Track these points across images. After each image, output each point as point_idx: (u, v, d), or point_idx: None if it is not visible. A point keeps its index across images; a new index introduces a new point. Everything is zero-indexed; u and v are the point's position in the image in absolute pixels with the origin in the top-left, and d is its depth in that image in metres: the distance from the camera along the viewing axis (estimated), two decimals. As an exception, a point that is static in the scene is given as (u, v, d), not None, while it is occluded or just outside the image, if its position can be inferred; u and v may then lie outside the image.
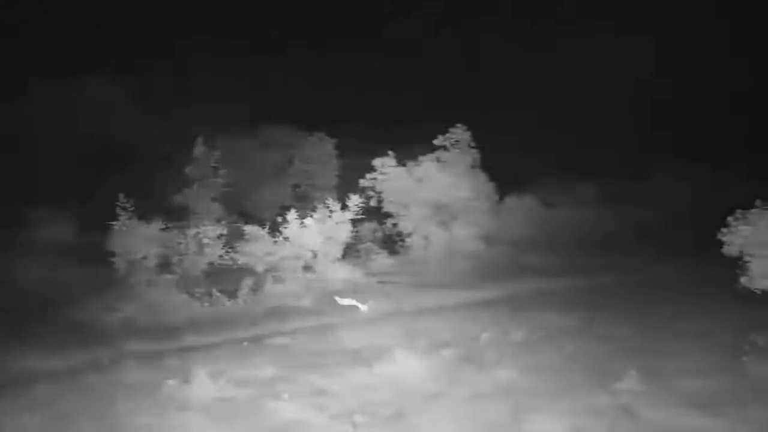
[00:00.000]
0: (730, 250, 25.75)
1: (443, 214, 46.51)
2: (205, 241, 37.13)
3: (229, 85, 64.77)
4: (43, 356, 25.90)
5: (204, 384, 21.48)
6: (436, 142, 46.75)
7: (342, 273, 39.48)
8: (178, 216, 40.44)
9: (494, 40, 74.29)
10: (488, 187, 48.39)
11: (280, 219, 39.08)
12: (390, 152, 45.86)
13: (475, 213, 46.93)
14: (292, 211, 39.50)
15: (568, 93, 68.50)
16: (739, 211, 25.81)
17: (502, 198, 50.26)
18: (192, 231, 37.27)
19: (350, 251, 42.91)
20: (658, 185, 58.35)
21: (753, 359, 23.36)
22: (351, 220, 40.38)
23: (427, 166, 45.95)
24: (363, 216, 41.95)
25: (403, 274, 41.99)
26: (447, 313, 33.37)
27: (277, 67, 69.24)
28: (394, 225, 45.87)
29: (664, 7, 73.99)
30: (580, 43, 72.32)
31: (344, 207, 40.38)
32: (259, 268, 37.29)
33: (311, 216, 39.47)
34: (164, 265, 36.43)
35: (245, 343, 28.39)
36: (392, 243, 46.25)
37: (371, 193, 44.23)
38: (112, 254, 35.62)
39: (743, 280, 24.97)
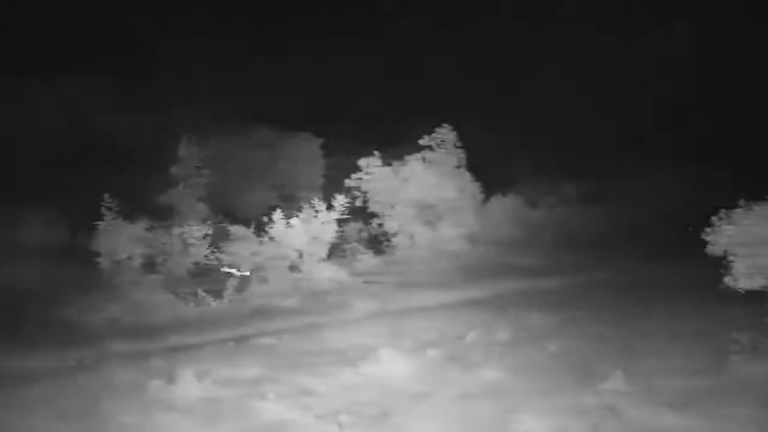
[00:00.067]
0: (713, 249, 25.82)
1: (429, 213, 46.64)
2: (191, 241, 37.11)
3: (214, 85, 64.63)
4: (25, 356, 25.79)
5: (189, 384, 21.43)
6: (421, 142, 46.88)
7: (328, 273, 39.51)
8: (163, 216, 40.43)
9: (484, 41, 74.38)
10: (474, 187, 48.54)
11: (265, 219, 39.09)
12: (375, 152, 45.92)
13: (460, 213, 47.10)
14: (278, 211, 39.51)
15: (552, 93, 68.66)
16: (723, 210, 25.89)
17: (487, 198, 50.43)
18: (177, 231, 37.24)
19: (336, 251, 42.95)
20: (643, 185, 58.58)
21: (737, 359, 23.45)
22: (337, 220, 40.42)
23: (412, 166, 46.07)
24: (349, 216, 42.01)
25: (388, 274, 42.06)
26: (432, 313, 33.42)
27: (264, 67, 69.08)
28: (380, 225, 45.97)
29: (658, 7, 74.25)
30: (570, 43, 72.48)
31: (330, 207, 40.41)
32: (245, 268, 37.29)
33: (297, 216, 39.50)
34: (149, 265, 36.40)
35: (231, 343, 28.35)
36: (378, 243, 46.33)
37: (357, 193, 44.30)
38: (97, 254, 35.56)
39: (727, 279, 25.06)
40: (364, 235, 47.59)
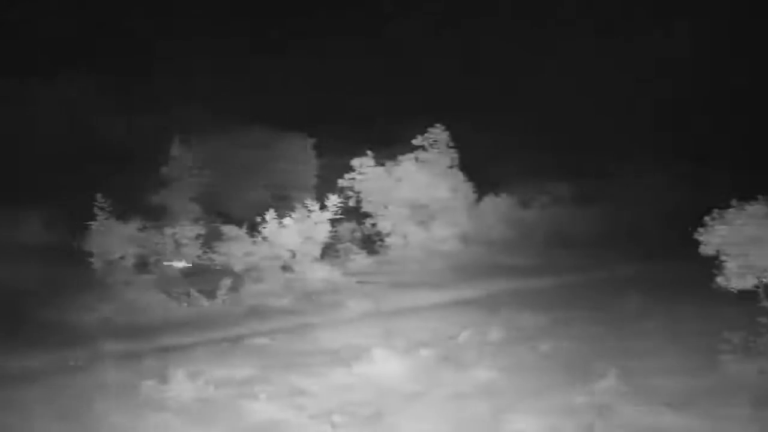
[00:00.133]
0: (706, 249, 25.87)
1: (422, 213, 46.72)
2: (183, 241, 37.11)
3: (207, 85, 64.59)
4: (18, 356, 25.77)
5: (182, 384, 21.39)
6: (414, 142, 46.94)
7: (321, 273, 39.51)
8: (155, 216, 40.43)
9: (478, 41, 74.43)
10: (466, 187, 48.62)
11: (258, 219, 39.09)
12: (368, 152, 45.97)
13: (453, 213, 47.19)
14: (271, 211, 39.51)
15: (546, 93, 68.71)
16: (715, 210, 25.94)
17: (480, 198, 50.49)
18: (170, 231, 37.23)
19: (329, 251, 42.97)
20: (636, 185, 58.68)
21: (729, 358, 23.50)
22: (330, 220, 40.44)
23: (405, 166, 46.13)
24: (342, 216, 42.04)
25: (381, 274, 42.08)
26: (425, 313, 33.44)
27: (256, 67, 69.07)
28: (373, 225, 46.01)
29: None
30: (564, 43, 72.58)
31: (323, 207, 40.43)
32: (238, 268, 37.28)
33: (290, 216, 39.51)
34: (142, 265, 36.38)
35: (224, 344, 28.33)
36: (371, 243, 46.37)
37: (350, 193, 44.33)
38: (90, 254, 35.54)
39: (720, 279, 25.10)
40: (357, 235, 47.62)
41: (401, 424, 19.35)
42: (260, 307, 34.18)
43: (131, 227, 36.12)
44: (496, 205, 51.74)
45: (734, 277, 24.77)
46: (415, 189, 45.99)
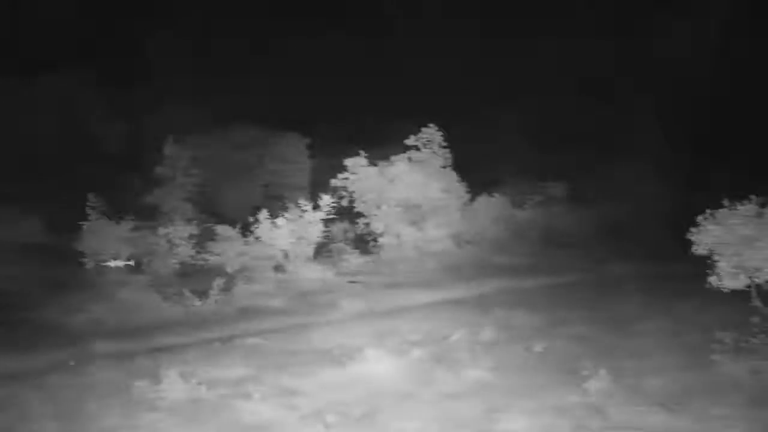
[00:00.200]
0: (699, 249, 25.96)
1: (415, 213, 46.67)
2: (176, 241, 37.07)
3: (201, 85, 64.51)
4: (9, 357, 25.75)
5: (175, 384, 21.39)
6: (407, 142, 46.91)
7: (314, 273, 39.50)
8: (148, 216, 40.39)
9: (471, 42, 74.46)
10: (459, 187, 48.62)
11: (251, 219, 39.06)
12: (361, 152, 45.94)
13: (446, 213, 47.15)
14: (264, 211, 39.50)
15: (540, 93, 68.77)
16: (708, 210, 26.03)
17: (473, 198, 50.47)
18: (163, 231, 37.19)
19: (322, 251, 42.97)
20: (629, 185, 58.72)
21: (721, 358, 23.58)
22: (323, 220, 40.44)
23: (398, 166, 46.09)
24: (335, 216, 42.00)
25: (374, 274, 42.04)
26: (418, 313, 33.42)
27: (250, 67, 69.05)
28: (366, 225, 45.95)
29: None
30: (558, 43, 72.60)
31: (316, 207, 40.42)
32: (230, 268, 37.25)
33: (283, 216, 39.49)
34: (135, 266, 36.35)
35: (217, 344, 28.32)
36: (364, 243, 46.31)
37: (343, 193, 44.29)
38: (82, 254, 35.50)
39: (712, 279, 25.20)
40: (350, 235, 47.56)
41: (394, 424, 19.36)
42: (253, 307, 34.14)
43: (124, 227, 36.06)
44: (490, 205, 51.64)
45: (727, 277, 24.87)
46: (409, 189, 45.94)
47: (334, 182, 44.89)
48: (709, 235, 25.67)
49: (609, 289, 37.70)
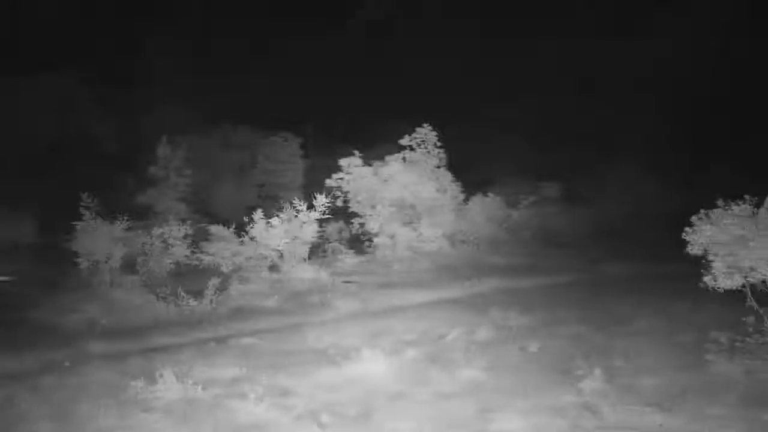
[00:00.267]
0: (693, 249, 25.97)
1: (409, 213, 46.68)
2: (171, 241, 37.00)
3: (196, 85, 64.57)
4: (4, 357, 25.67)
5: (170, 384, 21.35)
6: (402, 142, 46.95)
7: (308, 273, 39.44)
8: (142, 216, 40.34)
9: (466, 42, 74.59)
10: (454, 187, 48.65)
11: (246, 219, 39.03)
12: (356, 152, 45.96)
13: (441, 213, 47.17)
14: (258, 210, 39.47)
15: (536, 93, 68.92)
16: (702, 210, 26.04)
17: (467, 198, 50.52)
18: (157, 231, 37.12)
19: (316, 251, 42.97)
20: (624, 185, 58.84)
21: (716, 358, 23.61)
22: (317, 220, 40.40)
23: (393, 166, 46.10)
24: (329, 216, 41.95)
25: (369, 274, 42.04)
26: (413, 313, 33.39)
27: (245, 67, 69.11)
28: (361, 225, 45.96)
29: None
30: (554, 43, 72.76)
31: (310, 207, 40.39)
32: (225, 268, 37.22)
33: (277, 216, 39.45)
34: (129, 266, 36.27)
35: (211, 344, 28.27)
36: (358, 243, 46.33)
37: (338, 193, 44.26)
38: (76, 255, 35.42)
39: (707, 279, 25.20)
40: (345, 235, 47.61)
41: (388, 424, 19.36)
42: (248, 307, 34.09)
43: (118, 227, 35.98)
44: (484, 204, 51.72)
45: (721, 277, 24.87)
46: (403, 189, 45.97)
47: (328, 182, 44.90)
48: (703, 235, 25.66)
49: (604, 289, 37.78)
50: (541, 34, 74.45)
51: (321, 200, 40.61)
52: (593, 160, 61.43)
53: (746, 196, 25.43)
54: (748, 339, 24.30)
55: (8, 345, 26.82)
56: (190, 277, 36.06)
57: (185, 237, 37.41)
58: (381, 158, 46.84)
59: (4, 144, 50.00)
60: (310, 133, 61.23)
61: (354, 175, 45.62)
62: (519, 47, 73.38)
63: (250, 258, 38.41)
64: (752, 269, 24.46)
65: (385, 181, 45.98)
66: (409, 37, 77.43)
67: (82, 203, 35.83)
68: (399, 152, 46.88)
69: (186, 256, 37.22)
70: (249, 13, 76.35)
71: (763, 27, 67.29)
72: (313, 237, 40.61)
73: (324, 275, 39.54)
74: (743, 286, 24.97)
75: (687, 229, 26.05)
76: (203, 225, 40.44)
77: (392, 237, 45.60)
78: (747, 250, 24.48)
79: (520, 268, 44.18)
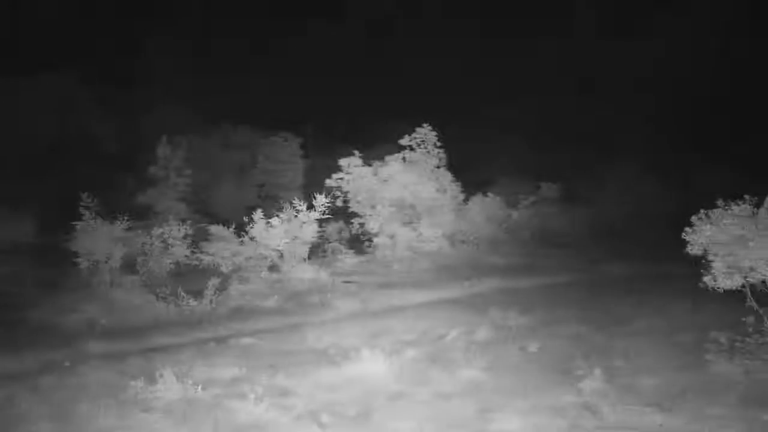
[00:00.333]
0: (693, 249, 25.96)
1: (409, 213, 46.65)
2: (170, 241, 36.98)
3: (196, 85, 64.56)
4: (4, 357, 25.66)
5: (169, 385, 21.35)
6: (402, 142, 46.92)
7: (308, 273, 39.42)
8: (142, 216, 40.32)
9: (465, 42, 74.59)
10: (454, 187, 48.63)
11: (246, 219, 39.01)
12: (356, 152, 45.93)
13: (440, 213, 47.13)
14: (258, 210, 39.46)
15: (534, 94, 68.91)
16: (702, 210, 26.04)
17: (467, 198, 50.49)
18: (157, 231, 37.10)
19: (316, 251, 42.95)
20: (624, 185, 58.81)
21: (715, 358, 23.62)
22: (317, 220, 40.38)
23: (393, 165, 46.06)
24: (329, 216, 41.92)
25: (369, 274, 42.00)
26: (412, 313, 33.38)
27: (245, 67, 69.09)
28: (361, 225, 45.93)
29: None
30: (552, 44, 72.75)
31: (310, 207, 40.36)
32: (225, 268, 37.21)
33: (277, 216, 39.43)
34: (129, 266, 36.25)
35: (211, 344, 28.27)
36: (358, 243, 46.30)
37: (337, 193, 44.23)
38: (76, 255, 35.40)
39: (706, 279, 25.20)
40: (345, 235, 47.58)
41: (388, 424, 19.37)
42: (248, 308, 34.08)
43: (118, 227, 35.95)
44: (484, 204, 51.68)
45: (721, 277, 24.86)
46: (403, 189, 45.92)
47: (328, 182, 44.87)
48: (703, 235, 25.66)
49: (604, 289, 37.76)
50: (541, 34, 74.49)
51: (321, 200, 40.57)
52: (593, 160, 61.41)
53: (746, 196, 25.43)
54: (747, 339, 24.29)
55: (8, 345, 26.80)
56: (190, 277, 36.03)
57: (185, 237, 37.39)
58: (381, 158, 46.80)
59: (4, 144, 49.98)
60: (310, 133, 61.22)
61: (354, 175, 45.59)
62: (519, 47, 73.42)
63: (250, 258, 38.40)
64: (752, 269, 24.46)
65: (385, 181, 45.94)
66: (409, 37, 77.46)
67: (82, 203, 35.81)
68: (399, 152, 46.83)
69: (186, 256, 37.20)
70: (249, 13, 76.37)
71: (763, 27, 67.32)
72: (313, 237, 40.58)
73: (324, 275, 39.53)
74: (743, 286, 24.97)
75: (687, 229, 26.04)
76: (203, 225, 40.43)
77: (392, 237, 45.56)
78: (747, 250, 24.48)
79: (520, 268, 44.16)
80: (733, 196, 25.82)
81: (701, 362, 23.55)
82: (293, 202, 40.69)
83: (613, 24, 76.59)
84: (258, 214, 39.02)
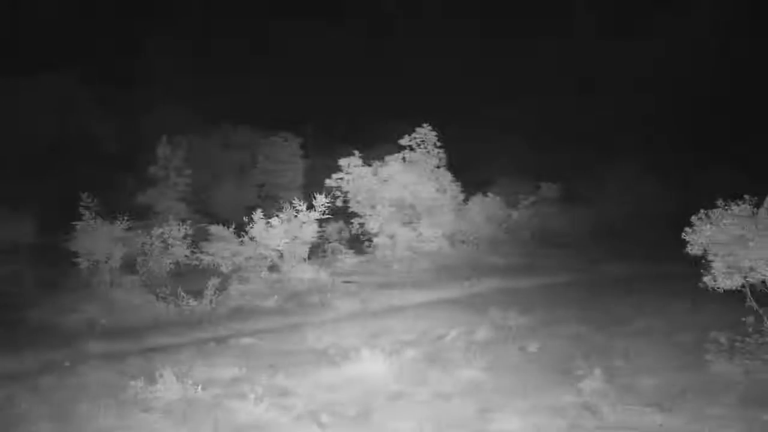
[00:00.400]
0: (693, 249, 25.95)
1: (409, 213, 46.61)
2: (170, 241, 36.98)
3: (196, 85, 64.53)
4: (4, 358, 25.67)
5: (169, 385, 21.35)
6: (402, 142, 46.88)
7: (308, 273, 39.41)
8: (142, 216, 40.30)
9: (465, 43, 74.59)
10: (453, 187, 48.59)
11: (245, 219, 39.01)
12: (356, 152, 45.90)
13: (440, 213, 47.09)
14: (258, 210, 39.45)
15: (534, 94, 68.91)
16: (702, 210, 26.03)
17: (467, 198, 50.47)
18: (157, 231, 37.10)
19: (316, 251, 42.94)
20: (624, 185, 58.81)
21: (715, 358, 23.62)
22: (317, 220, 40.36)
23: (393, 165, 46.02)
24: (329, 216, 41.90)
25: (368, 274, 42.01)
26: (412, 313, 33.39)
27: (242, 66, 69.06)
28: (361, 225, 45.90)
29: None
30: (552, 44, 72.75)
31: (310, 207, 40.35)
32: (225, 268, 37.20)
33: (277, 216, 39.43)
34: (129, 266, 36.25)
35: (211, 344, 28.27)
36: (358, 243, 46.27)
37: (337, 192, 44.21)
38: (76, 255, 35.41)
39: (706, 279, 25.19)
40: (345, 235, 47.56)
41: (388, 424, 19.37)
42: (247, 307, 34.10)
43: (118, 227, 35.95)
44: (484, 204, 51.66)
45: (721, 277, 24.85)
46: (403, 189, 45.88)
47: (328, 182, 44.83)
48: (703, 235, 25.65)
49: (603, 289, 37.78)
50: (541, 34, 74.48)
51: (321, 200, 40.56)
52: (593, 160, 61.41)
53: (746, 196, 25.43)
54: (747, 339, 24.29)
55: (8, 345, 26.81)
56: (190, 277, 36.04)
57: (185, 237, 37.39)
58: (381, 158, 46.76)
59: (4, 144, 49.98)
60: (310, 133, 61.21)
61: (354, 175, 45.54)
62: (519, 47, 73.41)
63: (250, 258, 38.41)
64: (752, 269, 24.45)
65: (385, 181, 45.90)
66: (409, 37, 77.44)
67: (82, 203, 35.82)
68: (399, 152, 46.77)
69: (186, 256, 37.20)
70: (249, 13, 76.36)
71: (763, 27, 67.32)
72: (312, 237, 40.57)
73: (324, 275, 39.53)
74: (743, 286, 24.97)
75: (687, 229, 26.03)
76: (203, 225, 40.43)
77: (392, 237, 45.52)
78: (747, 250, 24.47)
79: (520, 268, 44.18)
80: (733, 196, 25.81)
81: (701, 362, 23.55)
82: (293, 202, 40.69)
83: (613, 24, 76.61)
84: (258, 214, 39.01)
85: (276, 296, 35.86)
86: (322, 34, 74.36)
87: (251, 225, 38.77)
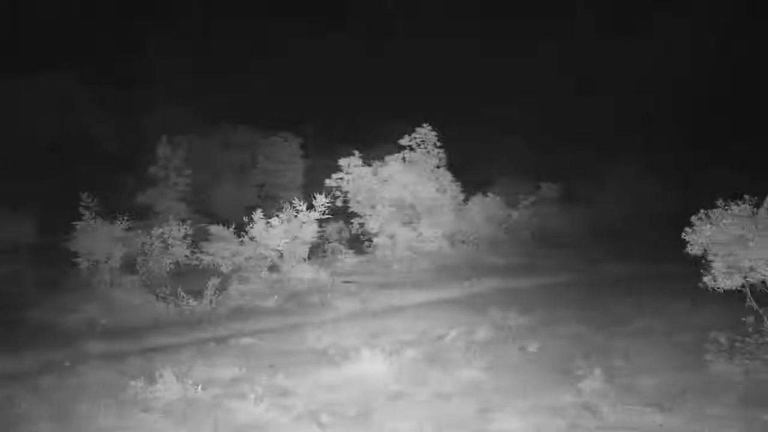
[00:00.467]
0: (693, 249, 25.95)
1: (409, 213, 46.60)
2: (170, 241, 36.97)
3: (196, 85, 64.51)
4: (4, 358, 25.67)
5: (169, 385, 21.35)
6: (402, 142, 46.87)
7: (308, 273, 39.41)
8: (142, 216, 40.30)
9: (465, 43, 74.57)
10: (453, 187, 48.58)
11: (245, 219, 39.01)
12: (356, 152, 45.89)
13: (440, 213, 47.08)
14: (258, 210, 39.45)
15: (534, 94, 68.90)
16: (702, 210, 26.03)
17: (467, 198, 50.46)
18: (157, 231, 37.09)
19: (316, 251, 42.93)
20: (624, 185, 58.81)
21: (715, 358, 23.61)
22: (317, 220, 40.36)
23: (393, 165, 46.01)
24: (329, 216, 41.89)
25: (368, 274, 42.00)
26: (412, 313, 33.39)
27: (242, 66, 69.04)
28: (361, 225, 45.88)
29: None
30: (552, 44, 72.74)
31: (310, 207, 40.34)
32: (225, 268, 37.20)
33: (277, 216, 39.42)
34: (129, 266, 36.25)
35: (211, 344, 28.26)
36: (358, 243, 46.26)
37: (337, 192, 44.21)
38: (76, 255, 35.41)
39: (706, 279, 25.18)
40: (345, 235, 47.55)
41: (388, 424, 19.37)
42: (247, 307, 34.10)
43: (118, 227, 35.95)
44: (484, 204, 51.67)
45: (721, 277, 24.85)
46: (403, 189, 45.87)
47: (328, 182, 44.82)
48: (703, 235, 25.64)
49: (603, 289, 37.77)
50: (541, 34, 74.48)
51: (321, 200, 40.55)
52: (593, 160, 61.41)
53: (746, 196, 25.43)
54: (747, 339, 24.28)
55: (8, 345, 26.81)
56: (190, 277, 36.03)
57: (185, 237, 37.38)
58: (381, 158, 46.75)
59: (4, 144, 49.99)
60: (310, 133, 61.22)
61: (354, 175, 45.54)
62: (519, 47, 73.41)
63: (250, 258, 38.41)
64: (752, 269, 24.44)
65: (385, 181, 45.90)
66: (409, 37, 77.43)
67: (82, 203, 35.82)
68: (399, 152, 46.76)
69: (186, 256, 37.20)
70: (249, 13, 76.35)
71: (763, 27, 67.33)
72: (312, 237, 40.57)
73: (324, 275, 39.53)
74: (743, 286, 24.96)
75: (687, 229, 26.03)
76: (203, 225, 40.43)
77: (392, 237, 45.51)
78: (746, 250, 24.47)
79: (520, 268, 44.18)
80: (733, 196, 25.81)
81: (701, 362, 23.55)
82: (293, 202, 40.68)
83: (613, 24, 76.61)
84: (258, 214, 39.01)
85: (276, 296, 35.86)
86: (322, 34, 74.40)
87: (251, 225, 38.77)
